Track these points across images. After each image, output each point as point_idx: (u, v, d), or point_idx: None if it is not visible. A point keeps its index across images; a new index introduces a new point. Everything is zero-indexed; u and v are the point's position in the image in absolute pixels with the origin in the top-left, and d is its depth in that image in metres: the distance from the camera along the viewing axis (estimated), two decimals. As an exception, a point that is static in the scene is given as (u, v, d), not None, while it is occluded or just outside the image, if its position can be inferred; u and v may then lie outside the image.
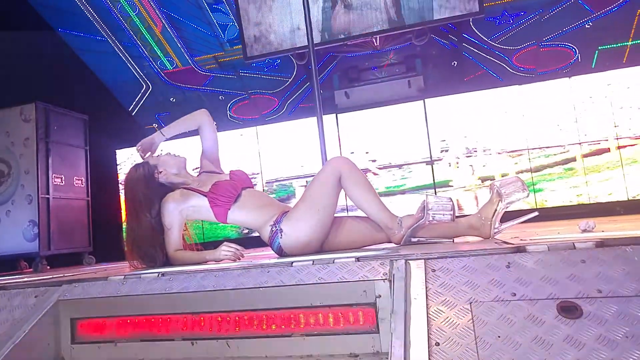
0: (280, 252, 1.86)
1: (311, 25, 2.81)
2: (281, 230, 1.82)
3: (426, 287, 1.24)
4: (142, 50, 5.28)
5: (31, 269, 3.99)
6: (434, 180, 4.50)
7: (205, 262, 1.89)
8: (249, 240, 2.91)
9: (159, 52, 5.30)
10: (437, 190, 4.49)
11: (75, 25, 5.09)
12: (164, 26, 5.12)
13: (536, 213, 1.86)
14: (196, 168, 2.18)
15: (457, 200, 4.44)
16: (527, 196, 1.81)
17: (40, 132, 3.99)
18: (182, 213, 1.93)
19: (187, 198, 1.93)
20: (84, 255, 4.22)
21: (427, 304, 1.19)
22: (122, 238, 5.12)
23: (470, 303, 1.15)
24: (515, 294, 1.13)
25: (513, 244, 1.39)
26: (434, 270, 1.29)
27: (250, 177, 2.16)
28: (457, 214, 1.82)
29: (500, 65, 5.06)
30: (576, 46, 4.85)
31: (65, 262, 4.27)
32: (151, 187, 1.94)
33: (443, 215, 1.78)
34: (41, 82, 4.57)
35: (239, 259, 1.86)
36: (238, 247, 1.88)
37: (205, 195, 1.90)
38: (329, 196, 1.84)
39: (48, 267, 3.90)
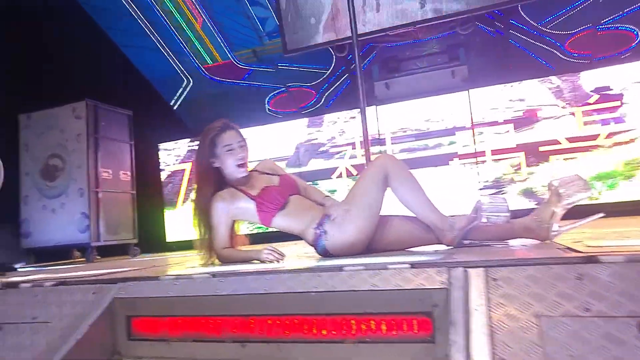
0: (326, 254, 1.83)
1: (355, 15, 2.73)
2: (325, 232, 1.80)
3: (487, 298, 1.18)
4: (183, 45, 5.34)
5: (84, 259, 4.16)
6: (479, 175, 4.35)
7: (250, 260, 1.88)
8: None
9: (199, 47, 5.35)
10: (482, 185, 4.34)
11: (120, 23, 5.20)
12: (204, 21, 5.16)
13: (602, 214, 1.73)
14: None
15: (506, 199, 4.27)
16: (591, 195, 1.69)
17: (90, 129, 4.15)
18: (229, 213, 1.94)
19: (236, 199, 1.93)
20: (130, 247, 4.37)
21: (489, 316, 1.13)
22: (164, 230, 5.28)
23: (537, 317, 1.08)
24: (589, 310, 1.05)
25: (581, 251, 1.29)
26: (494, 280, 1.22)
27: (296, 178, 2.12)
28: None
29: (552, 52, 4.78)
30: (639, 28, 4.50)
31: (113, 252, 4.43)
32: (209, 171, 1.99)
33: (498, 217, 1.69)
34: (89, 79, 4.72)
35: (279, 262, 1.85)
36: (279, 252, 1.85)
37: (253, 200, 1.90)
38: (375, 196, 1.79)
39: (98, 257, 4.07)
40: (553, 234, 1.70)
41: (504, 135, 4.31)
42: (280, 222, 1.91)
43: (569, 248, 1.45)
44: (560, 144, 4.19)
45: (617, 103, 4.05)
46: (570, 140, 4.16)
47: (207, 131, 2.00)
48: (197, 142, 2.06)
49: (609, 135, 4.06)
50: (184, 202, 5.31)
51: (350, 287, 1.27)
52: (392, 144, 4.60)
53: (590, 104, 4.13)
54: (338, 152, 4.80)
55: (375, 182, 1.78)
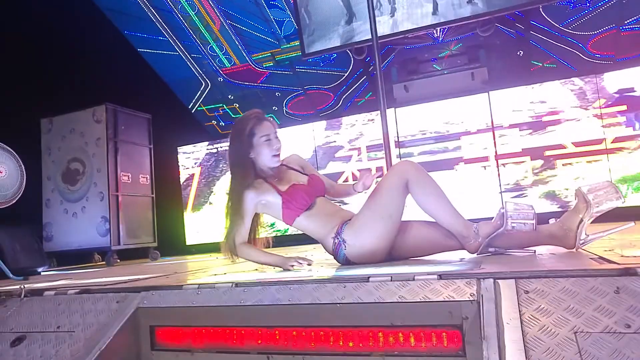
0: (347, 263, 1.80)
1: (375, 18, 2.71)
2: (344, 241, 1.77)
3: (519, 311, 1.14)
4: (202, 48, 5.38)
5: (104, 262, 4.20)
6: (499, 178, 4.27)
7: (272, 265, 1.86)
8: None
9: (217, 51, 5.38)
10: (504, 189, 4.26)
11: (139, 27, 5.26)
12: (222, 24, 5.18)
13: (632, 223, 1.67)
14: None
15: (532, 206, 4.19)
16: (623, 203, 1.62)
17: (110, 132, 4.18)
18: (257, 205, 1.90)
19: (264, 191, 1.89)
20: (150, 250, 4.39)
21: (522, 331, 1.09)
22: (184, 233, 5.32)
23: (575, 333, 1.04)
24: (629, 326, 1.00)
25: (617, 262, 1.24)
26: (526, 292, 1.18)
27: (323, 177, 2.09)
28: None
29: (574, 53, 4.69)
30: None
31: (133, 256, 4.46)
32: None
33: (524, 224, 1.65)
34: (109, 83, 4.77)
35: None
36: (308, 261, 1.83)
37: (281, 195, 1.86)
38: (395, 203, 1.74)
39: (118, 260, 4.10)
40: (580, 243, 1.64)
41: (524, 138, 4.24)
42: (302, 222, 1.87)
43: (601, 258, 1.40)
44: (565, 148, 4.13)
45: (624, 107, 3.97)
46: (584, 143, 4.09)
47: (244, 121, 1.93)
48: (231, 133, 1.98)
49: (616, 140, 3.96)
50: (193, 205, 5.34)
51: (377, 298, 1.24)
52: (395, 147, 4.54)
53: (595, 107, 4.06)
54: (354, 155, 4.78)
55: (395, 189, 1.74)
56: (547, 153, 4.18)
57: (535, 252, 1.72)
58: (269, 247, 2.06)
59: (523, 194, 4.22)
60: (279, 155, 1.94)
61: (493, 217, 1.73)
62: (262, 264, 1.89)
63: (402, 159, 1.93)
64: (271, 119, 2.00)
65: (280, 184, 1.91)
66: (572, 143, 4.12)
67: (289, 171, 2.02)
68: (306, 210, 1.85)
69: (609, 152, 4.02)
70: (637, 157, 3.94)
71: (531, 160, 4.22)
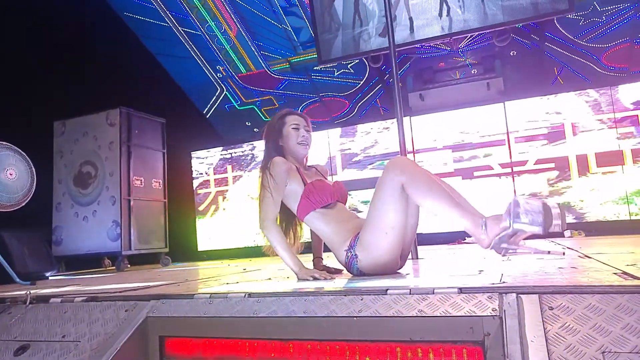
0: (361, 274, 1.76)
1: (392, 26, 2.68)
2: (356, 256, 1.72)
3: (544, 329, 1.09)
4: (217, 54, 5.39)
5: (114, 267, 4.19)
6: (514, 189, 4.21)
7: (286, 263, 1.79)
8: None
9: (233, 56, 5.39)
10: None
11: (156, 31, 5.28)
12: (238, 30, 5.19)
13: (562, 256, 1.60)
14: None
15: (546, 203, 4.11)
16: (542, 233, 1.44)
17: (123, 136, 4.15)
18: (284, 180, 1.83)
19: (293, 176, 1.85)
20: (161, 256, 4.36)
21: (548, 349, 1.04)
22: (196, 239, 5.29)
23: (603, 353, 0.99)
24: (660, 346, 0.95)
25: (644, 279, 1.19)
26: (551, 308, 1.14)
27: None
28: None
29: (588, 65, 4.65)
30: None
31: (144, 261, 4.44)
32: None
33: (532, 225, 1.45)
34: (123, 87, 4.77)
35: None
36: (330, 278, 1.77)
37: (305, 184, 1.83)
38: (395, 212, 1.65)
39: (129, 266, 4.07)
40: (503, 251, 1.52)
41: (539, 148, 4.19)
42: (316, 219, 1.82)
43: (625, 273, 1.34)
44: (579, 158, 4.09)
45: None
46: (599, 155, 4.05)
47: (277, 114, 2.02)
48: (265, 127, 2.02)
49: (632, 151, 3.88)
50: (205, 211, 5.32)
51: (396, 312, 1.20)
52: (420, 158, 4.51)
53: (610, 119, 3.99)
54: (371, 163, 4.74)
55: (391, 197, 1.64)
56: (562, 164, 4.11)
57: (564, 253, 1.62)
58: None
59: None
60: (305, 144, 1.95)
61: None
62: (279, 256, 1.80)
63: (394, 157, 1.83)
64: (304, 115, 2.03)
65: (308, 177, 1.90)
66: (587, 154, 4.06)
67: (319, 174, 2.03)
68: (323, 207, 1.81)
69: (623, 164, 3.95)
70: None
71: (546, 170, 4.16)
